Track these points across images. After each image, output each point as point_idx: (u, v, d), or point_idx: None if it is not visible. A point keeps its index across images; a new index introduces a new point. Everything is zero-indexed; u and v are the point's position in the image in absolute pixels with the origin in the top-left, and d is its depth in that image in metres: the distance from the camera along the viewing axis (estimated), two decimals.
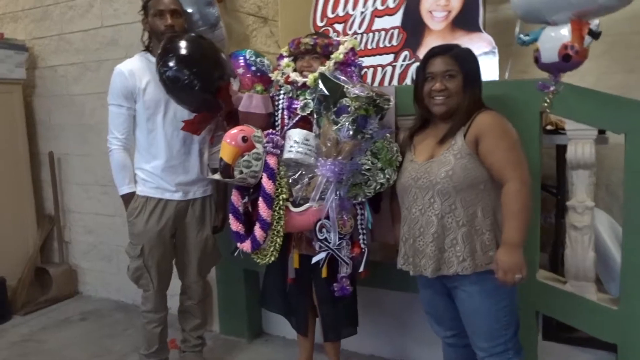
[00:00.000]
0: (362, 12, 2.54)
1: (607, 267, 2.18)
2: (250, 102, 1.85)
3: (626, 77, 2.61)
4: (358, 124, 1.68)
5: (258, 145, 1.73)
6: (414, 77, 1.81)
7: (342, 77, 1.74)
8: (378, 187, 1.72)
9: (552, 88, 1.88)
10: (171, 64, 1.77)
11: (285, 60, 1.96)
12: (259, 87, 1.90)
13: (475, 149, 1.55)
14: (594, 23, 1.72)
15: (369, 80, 2.51)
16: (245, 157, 1.71)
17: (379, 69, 2.48)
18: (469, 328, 1.66)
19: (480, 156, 1.55)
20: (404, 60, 2.42)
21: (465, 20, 2.28)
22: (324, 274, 1.85)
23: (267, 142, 1.74)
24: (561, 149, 2.29)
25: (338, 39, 1.96)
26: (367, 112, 1.69)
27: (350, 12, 2.57)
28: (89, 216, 3.43)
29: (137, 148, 2.13)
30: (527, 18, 1.91)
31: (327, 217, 1.74)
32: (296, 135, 1.75)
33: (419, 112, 1.73)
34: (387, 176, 1.71)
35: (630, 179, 1.87)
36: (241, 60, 1.99)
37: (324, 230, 1.76)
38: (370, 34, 2.52)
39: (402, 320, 2.45)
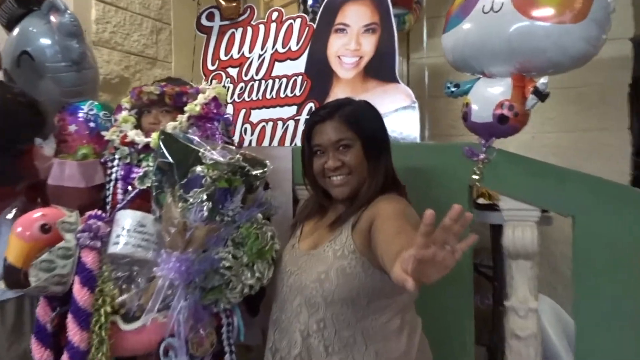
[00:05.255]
0: (260, 55, 2.10)
1: None
2: (61, 171, 1.30)
3: (560, 137, 2.32)
4: (216, 200, 1.18)
5: (68, 235, 1.16)
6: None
7: (196, 138, 1.24)
8: (246, 289, 1.21)
9: (481, 156, 1.49)
10: None
11: (124, 114, 1.41)
12: (84, 150, 1.37)
13: (365, 243, 1.08)
14: (542, 81, 1.35)
15: (267, 137, 2.04)
16: (45, 256, 1.13)
17: (280, 123, 2.02)
18: None
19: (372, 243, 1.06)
20: (308, 114, 1.97)
21: (378, 68, 1.88)
22: None
23: (82, 231, 1.18)
24: (497, 229, 1.86)
25: (198, 86, 1.47)
26: (230, 184, 1.19)
27: (247, 54, 2.13)
28: None
29: None
30: (460, 66, 1.54)
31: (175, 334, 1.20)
32: (127, 218, 1.22)
33: (314, 195, 1.31)
34: (258, 274, 1.20)
35: (579, 270, 1.47)
36: (80, 115, 1.49)
37: (170, 353, 1.22)
38: (270, 81, 2.07)
39: None
